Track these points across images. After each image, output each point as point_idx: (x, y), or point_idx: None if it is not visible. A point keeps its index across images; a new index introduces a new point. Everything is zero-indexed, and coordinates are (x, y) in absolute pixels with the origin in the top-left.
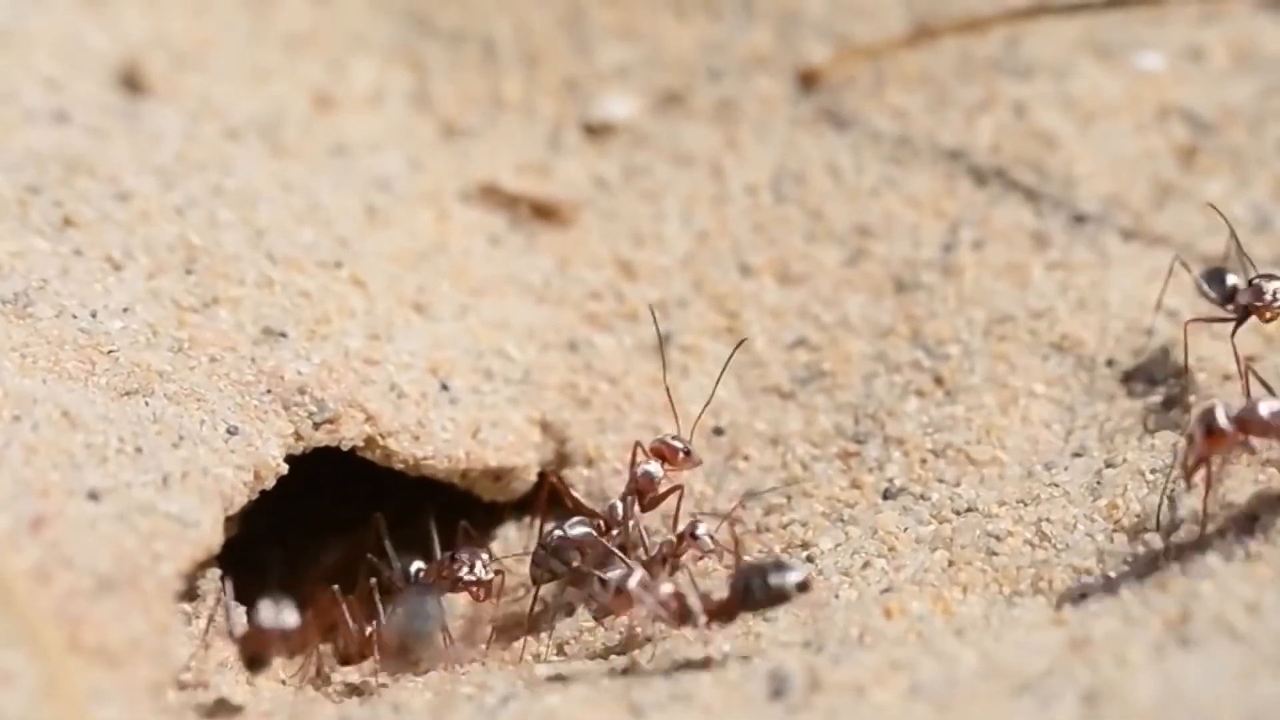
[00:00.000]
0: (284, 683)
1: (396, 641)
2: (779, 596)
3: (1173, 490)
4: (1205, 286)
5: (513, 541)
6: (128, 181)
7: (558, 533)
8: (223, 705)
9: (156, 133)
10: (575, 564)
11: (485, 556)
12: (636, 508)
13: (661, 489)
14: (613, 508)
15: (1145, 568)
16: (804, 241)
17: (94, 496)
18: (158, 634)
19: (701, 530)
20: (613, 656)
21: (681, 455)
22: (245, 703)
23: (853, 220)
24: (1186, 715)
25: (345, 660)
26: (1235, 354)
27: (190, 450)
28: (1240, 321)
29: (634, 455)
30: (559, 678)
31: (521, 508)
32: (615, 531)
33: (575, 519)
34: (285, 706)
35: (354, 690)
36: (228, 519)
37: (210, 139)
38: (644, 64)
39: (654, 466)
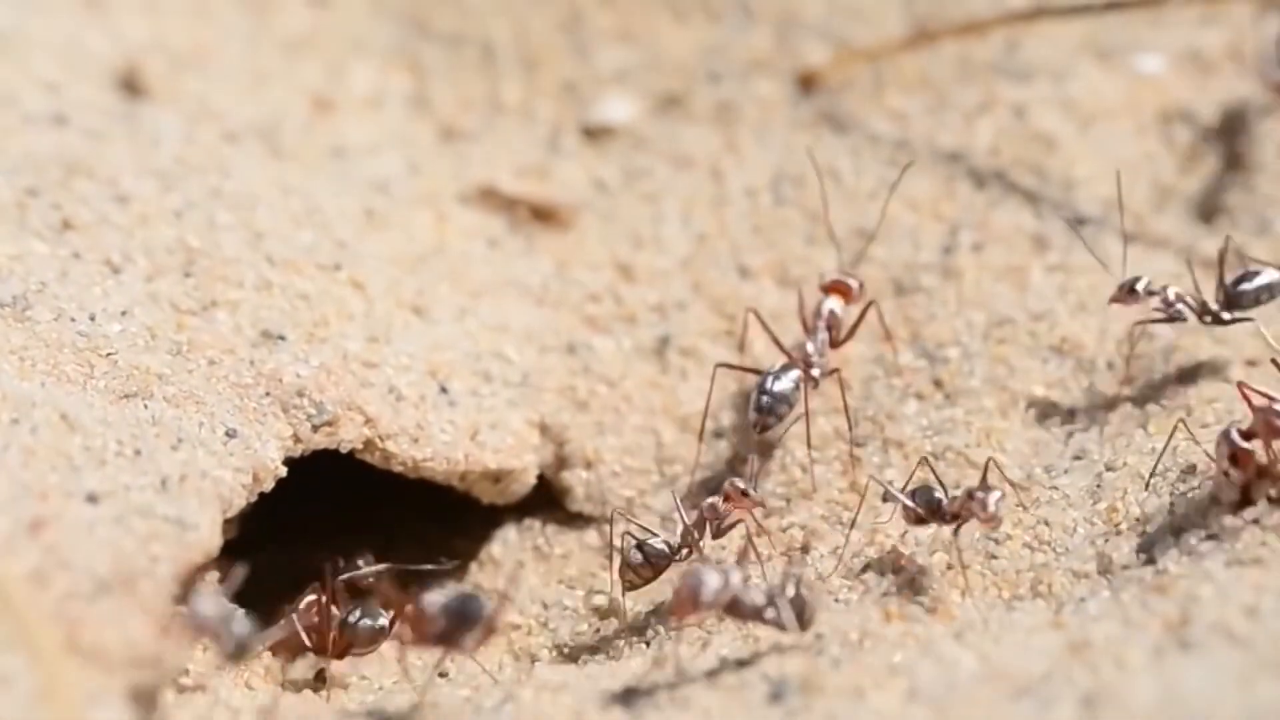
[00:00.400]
0: (281, 685)
1: (440, 624)
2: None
3: (1174, 492)
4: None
5: (512, 544)
6: (126, 184)
7: (773, 382)
8: (220, 708)
9: (155, 136)
10: (793, 407)
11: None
12: (828, 345)
13: (845, 328)
14: (802, 347)
15: (1144, 571)
16: (803, 244)
17: (92, 499)
18: (155, 636)
19: (993, 501)
20: (612, 659)
21: (857, 289)
22: (243, 705)
23: (852, 223)
24: (1186, 718)
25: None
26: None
27: (189, 453)
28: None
29: (799, 301)
30: (557, 679)
31: (520, 510)
32: (815, 371)
33: (780, 365)
34: (283, 709)
35: (351, 692)
36: (226, 521)
37: (209, 142)
38: (643, 67)
39: (836, 303)
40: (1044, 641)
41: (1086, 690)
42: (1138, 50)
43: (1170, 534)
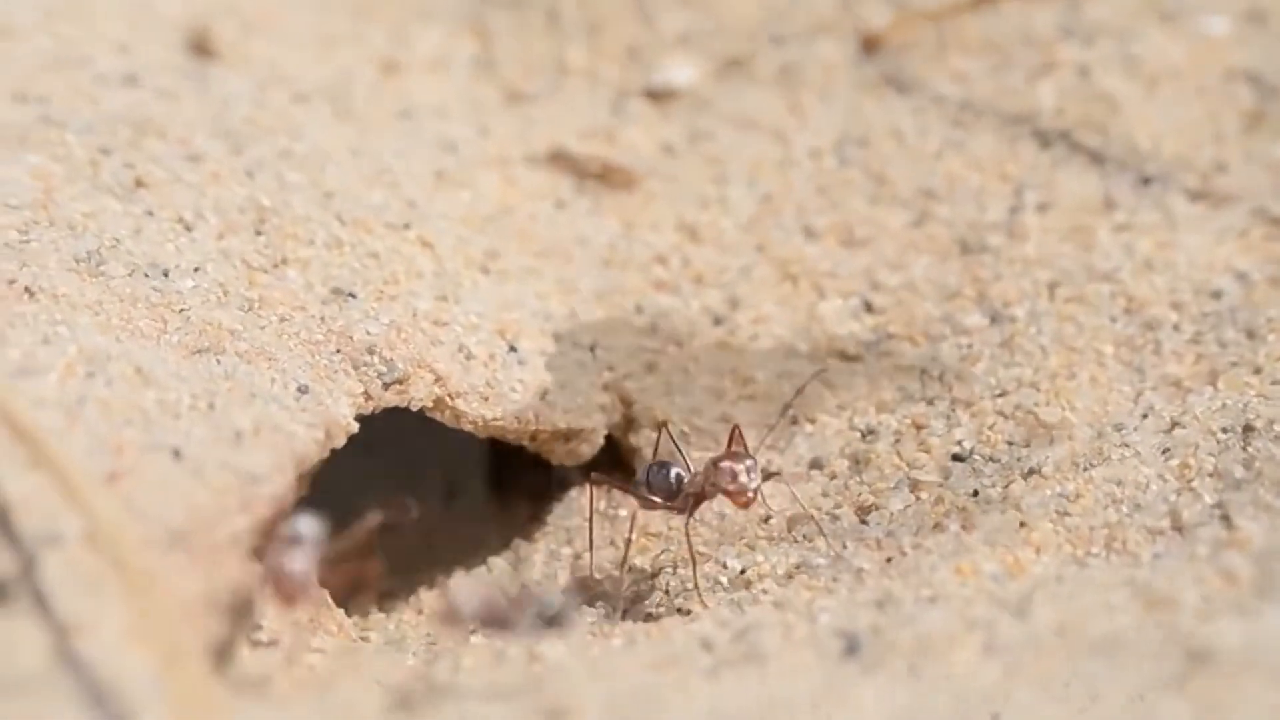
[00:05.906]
0: (355, 640)
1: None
2: None
3: (1246, 448)
4: None
5: (582, 506)
6: (198, 144)
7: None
8: (295, 664)
9: (225, 97)
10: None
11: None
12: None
13: None
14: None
15: (1219, 527)
16: (868, 205)
17: (167, 452)
18: (230, 589)
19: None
20: (682, 619)
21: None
22: (318, 661)
23: (917, 183)
24: (1270, 668)
25: None
26: None
27: (262, 408)
28: None
29: None
30: (626, 640)
31: (588, 470)
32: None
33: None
34: (358, 664)
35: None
36: (299, 478)
37: (279, 104)
38: (706, 30)
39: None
40: (1119, 598)
41: (1163, 645)
42: (1202, 11)
43: (1244, 489)
